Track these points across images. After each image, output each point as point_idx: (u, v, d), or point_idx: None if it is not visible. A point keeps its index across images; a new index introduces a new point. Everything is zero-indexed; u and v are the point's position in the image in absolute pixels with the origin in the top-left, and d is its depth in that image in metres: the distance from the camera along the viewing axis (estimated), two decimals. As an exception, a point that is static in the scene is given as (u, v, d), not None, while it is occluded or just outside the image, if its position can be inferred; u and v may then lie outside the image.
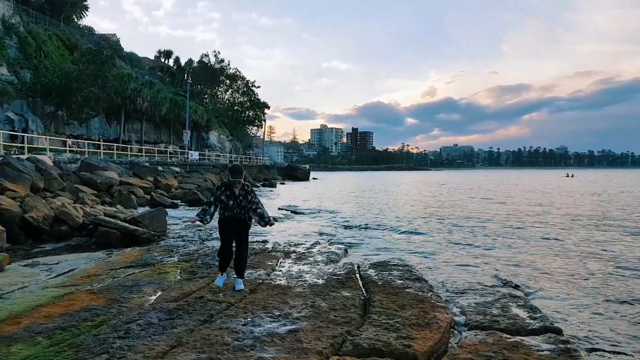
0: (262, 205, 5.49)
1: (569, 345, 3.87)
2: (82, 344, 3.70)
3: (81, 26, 51.80)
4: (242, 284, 5.46)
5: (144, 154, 37.33)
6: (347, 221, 15.11)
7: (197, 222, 5.35)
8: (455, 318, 4.83)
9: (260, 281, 5.87)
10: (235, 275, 5.56)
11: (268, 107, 76.93)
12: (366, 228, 13.47)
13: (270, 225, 5.57)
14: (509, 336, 4.11)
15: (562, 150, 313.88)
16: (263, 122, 79.29)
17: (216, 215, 5.48)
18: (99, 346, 3.63)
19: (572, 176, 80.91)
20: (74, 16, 50.44)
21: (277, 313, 4.52)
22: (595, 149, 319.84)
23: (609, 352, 4.30)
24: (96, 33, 54.39)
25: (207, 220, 5.32)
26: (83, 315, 4.43)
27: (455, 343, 4.11)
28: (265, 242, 9.90)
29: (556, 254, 9.40)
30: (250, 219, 5.47)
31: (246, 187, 5.36)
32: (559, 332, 4.31)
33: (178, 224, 12.88)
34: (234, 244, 5.45)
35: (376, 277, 6.26)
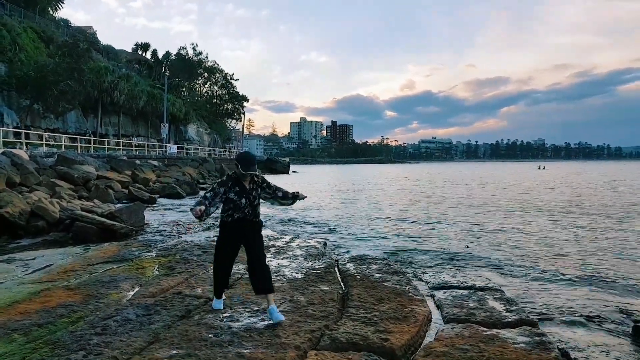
0: (276, 185, 4.56)
1: (544, 338, 3.95)
2: (59, 340, 3.65)
3: (57, 19, 50.57)
4: (278, 312, 4.17)
5: (121, 147, 36.74)
6: (327, 215, 15.16)
7: (194, 219, 4.23)
8: (433, 311, 4.90)
9: (239, 276, 5.86)
10: (258, 295, 4.32)
11: (247, 100, 76.47)
12: (346, 222, 13.54)
13: (301, 199, 4.55)
14: (485, 329, 4.18)
15: (539, 142, 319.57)
16: (242, 115, 78.84)
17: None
18: (75, 343, 3.59)
19: (544, 168, 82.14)
20: (49, 8, 49.19)
21: (256, 308, 4.53)
22: (572, 142, 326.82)
23: (583, 343, 4.41)
24: (72, 25, 53.20)
25: (206, 216, 4.18)
26: (60, 312, 4.37)
27: (433, 336, 4.17)
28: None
29: (534, 248, 9.59)
30: (281, 195, 4.48)
31: (257, 179, 4.33)
32: (534, 324, 4.40)
33: (157, 218, 12.75)
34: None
35: (355, 271, 6.30)
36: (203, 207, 4.05)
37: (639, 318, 4.90)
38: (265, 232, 11.00)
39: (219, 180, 4.27)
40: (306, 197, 4.59)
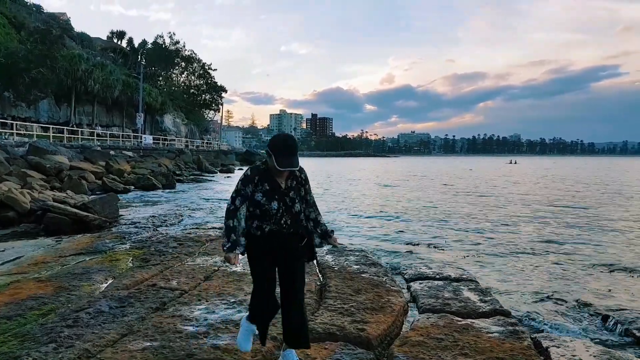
0: (315, 203, 3.08)
1: (517, 327, 4.03)
2: (29, 333, 3.56)
3: (28, 4, 48.97)
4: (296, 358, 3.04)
5: (95, 137, 35.97)
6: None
7: (232, 256, 2.84)
8: (409, 302, 4.95)
9: (216, 268, 5.81)
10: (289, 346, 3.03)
11: (225, 91, 75.58)
12: (325, 215, 13.54)
13: (329, 238, 3.05)
14: (460, 319, 4.23)
15: (515, 137, 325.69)
16: (220, 106, 77.97)
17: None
18: (46, 335, 3.50)
19: (515, 163, 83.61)
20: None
21: (232, 300, 4.50)
22: (547, 137, 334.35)
23: (555, 333, 4.52)
24: (45, 11, 51.60)
25: (242, 247, 2.87)
26: (30, 304, 4.25)
27: (408, 326, 4.20)
28: (222, 228, 9.77)
29: (507, 240, 9.77)
30: (309, 234, 3.01)
31: (298, 174, 2.94)
32: (507, 314, 4.48)
33: (130, 209, 12.54)
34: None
35: (333, 263, 6.31)
36: (239, 252, 2.86)
37: (607, 308, 5.05)
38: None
39: (242, 176, 2.91)
40: (336, 239, 3.12)
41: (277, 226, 2.86)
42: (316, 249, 3.09)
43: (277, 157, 2.73)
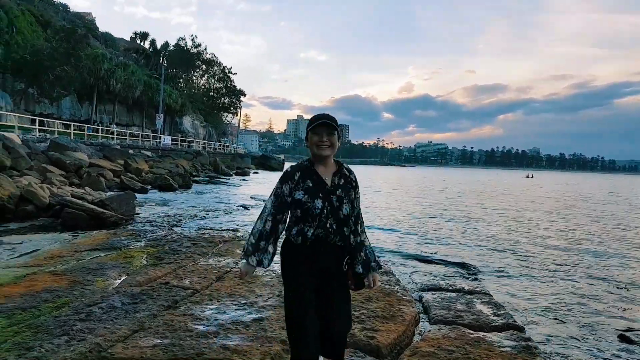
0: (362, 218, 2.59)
1: (530, 343, 3.96)
2: (42, 325, 3.61)
3: (55, 3, 50.18)
4: None
5: (115, 136, 36.51)
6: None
7: (243, 270, 2.49)
8: (420, 312, 4.90)
9: (228, 269, 5.83)
10: None
11: (244, 95, 76.30)
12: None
13: (368, 272, 2.50)
14: (472, 332, 4.17)
15: (534, 151, 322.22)
16: (238, 110, 78.56)
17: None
18: (59, 328, 3.55)
19: (532, 177, 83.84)
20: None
21: (243, 301, 4.50)
22: (566, 152, 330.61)
23: (568, 350, 4.44)
24: (71, 11, 52.83)
25: (268, 260, 2.44)
26: (44, 297, 4.32)
27: (419, 336, 4.16)
28: (236, 230, 9.82)
29: (520, 253, 9.63)
30: (352, 248, 2.49)
31: (346, 172, 2.50)
32: (521, 329, 4.40)
33: (146, 208, 12.68)
34: None
35: (345, 269, 6.28)
36: (255, 260, 2.41)
37: (624, 327, 4.94)
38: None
39: (282, 173, 2.49)
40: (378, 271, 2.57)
41: (323, 230, 2.35)
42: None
43: (312, 127, 2.39)
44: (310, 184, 2.39)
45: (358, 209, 2.53)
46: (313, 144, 2.40)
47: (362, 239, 2.54)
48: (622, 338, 4.63)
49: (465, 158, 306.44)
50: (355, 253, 2.49)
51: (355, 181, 2.53)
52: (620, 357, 4.30)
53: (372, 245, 2.61)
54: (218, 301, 4.47)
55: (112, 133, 36.21)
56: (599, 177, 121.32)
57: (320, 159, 2.43)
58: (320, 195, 2.37)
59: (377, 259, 2.58)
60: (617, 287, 7.00)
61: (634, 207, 25.03)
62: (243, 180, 34.71)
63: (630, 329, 4.99)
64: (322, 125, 2.37)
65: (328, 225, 2.36)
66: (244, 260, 2.45)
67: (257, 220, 2.46)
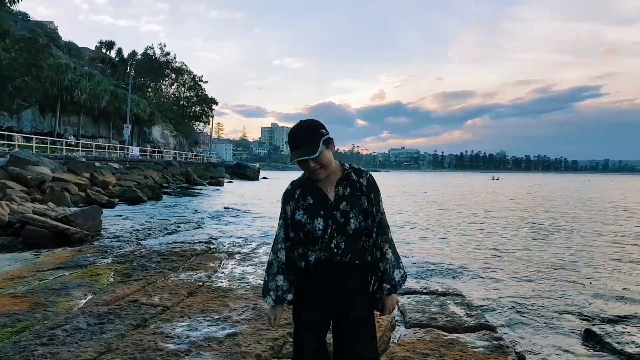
0: (388, 225, 2.22)
1: (502, 342, 4.00)
2: (0, 352, 3.41)
3: (14, 11, 48.56)
4: None
5: (80, 148, 35.57)
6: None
7: (270, 315, 2.21)
8: (396, 317, 4.88)
9: (200, 284, 5.69)
10: None
11: (216, 103, 75.57)
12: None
13: (385, 292, 2.16)
14: (446, 333, 4.19)
15: (501, 154, 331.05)
16: (210, 119, 77.80)
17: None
18: (18, 354, 3.37)
19: (498, 179, 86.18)
20: (7, 0, 47.27)
21: (216, 316, 4.38)
22: (532, 154, 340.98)
23: (538, 347, 4.53)
24: (31, 19, 51.33)
25: (288, 294, 2.16)
26: (2, 321, 4.10)
27: (395, 341, 4.14)
28: (208, 242, 9.63)
29: (493, 254, 9.78)
30: (373, 263, 2.16)
31: (354, 177, 2.14)
32: (493, 329, 4.44)
33: (114, 222, 12.34)
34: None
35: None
36: (271, 300, 2.17)
37: (590, 322, 5.07)
38: (231, 238, 10.88)
39: (283, 194, 2.22)
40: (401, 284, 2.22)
41: (326, 253, 2.05)
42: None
43: (289, 145, 2.09)
44: (311, 201, 2.10)
45: (378, 216, 2.15)
46: (305, 171, 2.12)
47: (385, 250, 2.15)
48: (588, 333, 4.78)
49: (437, 162, 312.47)
50: (375, 269, 2.17)
51: (368, 184, 2.14)
52: (589, 352, 4.41)
53: (401, 256, 2.25)
54: (190, 318, 4.34)
55: (71, 145, 35.20)
56: (564, 178, 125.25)
57: None
58: (322, 212, 2.07)
59: (397, 277, 2.16)
60: (582, 283, 7.20)
61: (591, 204, 25.85)
62: (217, 190, 34.26)
63: (595, 323, 5.18)
64: (301, 161, 2.04)
65: (333, 245, 2.05)
66: (271, 306, 2.19)
67: (270, 252, 2.23)
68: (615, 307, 5.92)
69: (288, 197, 2.17)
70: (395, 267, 2.17)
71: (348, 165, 2.17)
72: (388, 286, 2.15)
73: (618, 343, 4.40)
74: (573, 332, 4.94)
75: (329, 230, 2.05)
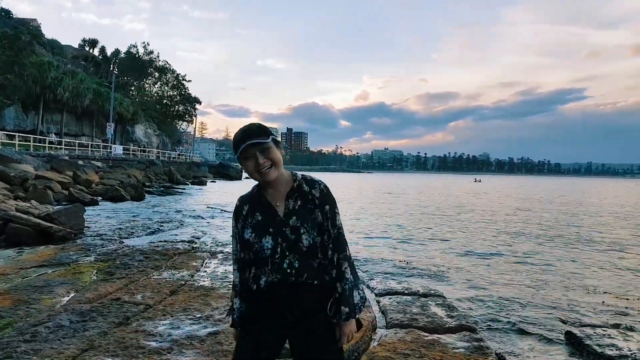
0: (345, 241, 1.95)
1: (482, 343, 4.06)
2: (-18, 349, 3.41)
3: (-4, 9, 47.83)
4: None
5: (63, 146, 35.10)
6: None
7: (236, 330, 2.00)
8: (378, 317, 4.95)
9: (183, 282, 5.71)
10: None
11: (199, 103, 75.26)
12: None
13: (341, 317, 1.85)
14: (426, 334, 4.24)
15: (484, 156, 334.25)
16: (194, 118, 77.38)
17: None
18: (1, 351, 3.36)
19: (480, 181, 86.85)
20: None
21: (199, 315, 4.42)
22: (515, 157, 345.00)
23: (518, 349, 4.62)
24: (14, 17, 50.38)
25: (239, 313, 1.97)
26: (-16, 319, 4.09)
27: (376, 341, 4.20)
28: (191, 241, 9.62)
29: (471, 254, 9.92)
30: (329, 284, 1.88)
31: (305, 188, 1.92)
32: (473, 330, 4.51)
33: (97, 221, 12.24)
34: None
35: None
36: (231, 319, 1.99)
37: (570, 324, 5.18)
38: (214, 237, 10.90)
39: (233, 210, 2.04)
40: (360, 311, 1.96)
41: (278, 275, 1.83)
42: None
43: (240, 152, 1.85)
44: (260, 217, 1.90)
45: (334, 230, 1.91)
46: (252, 171, 1.88)
47: (343, 268, 1.90)
48: (569, 335, 4.84)
49: (420, 164, 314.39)
50: (333, 290, 1.90)
51: (322, 196, 1.91)
52: (568, 353, 4.51)
53: (359, 276, 2.01)
54: (172, 316, 4.36)
55: (52, 143, 34.69)
56: (547, 180, 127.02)
57: (268, 183, 1.92)
58: (270, 230, 1.86)
59: (356, 299, 1.91)
60: (564, 286, 7.34)
61: (572, 207, 26.31)
62: (199, 189, 34.09)
63: (575, 325, 5.24)
64: (251, 146, 1.82)
65: (285, 265, 1.83)
66: (233, 325, 2.00)
67: (235, 276, 2.04)
68: (597, 310, 6.04)
69: (236, 213, 1.98)
70: (355, 287, 1.92)
71: (300, 175, 1.97)
72: (347, 309, 1.87)
73: (598, 345, 4.46)
74: (554, 334, 5.02)
75: (278, 249, 1.85)
